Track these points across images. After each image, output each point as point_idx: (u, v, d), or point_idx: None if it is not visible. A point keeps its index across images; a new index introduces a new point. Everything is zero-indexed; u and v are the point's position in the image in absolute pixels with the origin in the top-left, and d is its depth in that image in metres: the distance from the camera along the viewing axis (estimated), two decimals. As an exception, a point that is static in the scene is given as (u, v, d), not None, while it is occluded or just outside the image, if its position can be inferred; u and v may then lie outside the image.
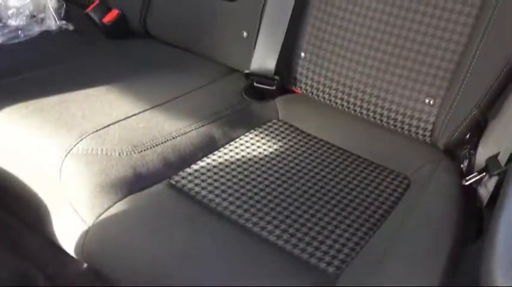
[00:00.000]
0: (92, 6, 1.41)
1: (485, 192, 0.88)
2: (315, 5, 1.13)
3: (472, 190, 0.92)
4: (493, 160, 0.85)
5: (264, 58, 1.18)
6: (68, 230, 0.92)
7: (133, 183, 0.92)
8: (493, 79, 0.92)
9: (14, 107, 1.02)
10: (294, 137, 1.12)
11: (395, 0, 1.02)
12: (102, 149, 0.93)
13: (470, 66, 0.95)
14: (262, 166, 1.01)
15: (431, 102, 1.01)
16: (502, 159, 0.83)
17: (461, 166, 0.99)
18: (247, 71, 1.21)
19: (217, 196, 0.91)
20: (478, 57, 0.94)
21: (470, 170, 0.96)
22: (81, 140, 0.95)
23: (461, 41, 0.97)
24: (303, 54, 1.15)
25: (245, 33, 1.23)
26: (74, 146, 0.93)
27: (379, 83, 1.06)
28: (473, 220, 0.88)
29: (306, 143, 1.10)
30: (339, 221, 0.89)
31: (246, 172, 0.98)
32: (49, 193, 0.96)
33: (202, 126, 1.07)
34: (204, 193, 0.92)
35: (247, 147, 1.06)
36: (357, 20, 1.07)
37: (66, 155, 0.92)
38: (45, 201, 0.96)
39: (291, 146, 1.09)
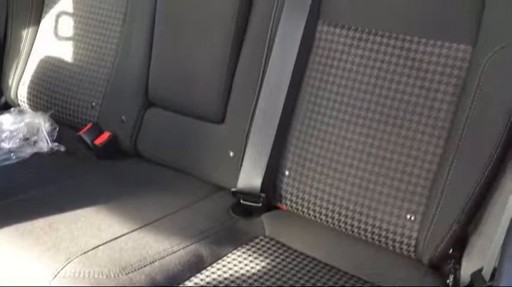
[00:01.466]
0: (85, 129, 1.47)
1: (472, 307, 0.89)
2: (297, 128, 1.20)
3: (460, 305, 0.92)
4: (477, 275, 0.87)
5: (250, 177, 1.23)
6: None
7: (120, 307, 0.90)
8: (468, 196, 0.97)
9: (4, 229, 1.03)
10: (281, 254, 1.13)
11: (371, 124, 1.10)
12: (89, 272, 0.93)
13: (445, 184, 1.00)
14: (251, 284, 1.00)
15: (412, 218, 1.04)
16: (486, 274, 0.84)
17: (447, 281, 1.00)
18: (233, 189, 1.25)
19: (205, 318, 0.90)
20: (452, 176, 1.00)
21: (456, 285, 0.97)
22: (68, 263, 0.95)
23: (434, 161, 1.03)
24: (287, 173, 1.20)
25: (231, 153, 1.29)
26: (61, 269, 0.93)
27: (361, 199, 1.10)
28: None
29: (293, 259, 1.11)
30: None
31: (234, 292, 0.98)
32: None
33: (190, 245, 1.08)
34: (192, 315, 0.90)
35: (235, 265, 1.07)
36: (337, 140, 1.14)
37: (53, 278, 0.91)
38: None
39: (278, 263, 1.09)
